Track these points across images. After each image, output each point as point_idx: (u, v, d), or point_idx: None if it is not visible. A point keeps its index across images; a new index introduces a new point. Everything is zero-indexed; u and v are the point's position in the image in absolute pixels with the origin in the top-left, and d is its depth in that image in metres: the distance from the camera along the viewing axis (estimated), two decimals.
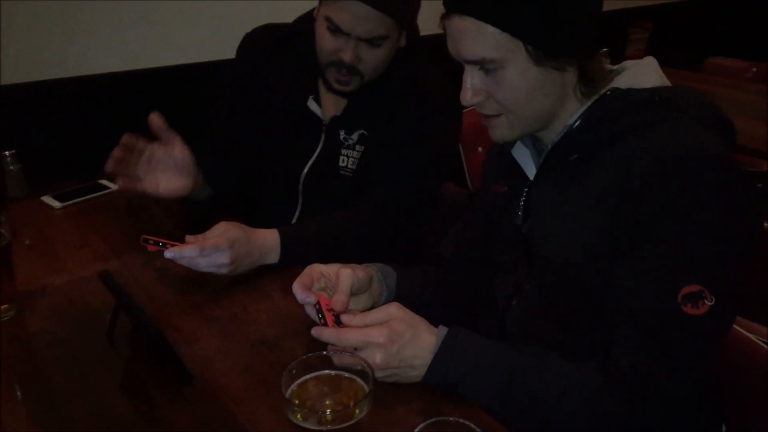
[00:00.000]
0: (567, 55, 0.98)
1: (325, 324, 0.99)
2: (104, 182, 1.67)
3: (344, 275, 1.06)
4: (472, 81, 1.01)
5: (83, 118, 1.74)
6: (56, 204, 1.56)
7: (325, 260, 1.16)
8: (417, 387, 0.99)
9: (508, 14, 0.94)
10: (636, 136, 0.98)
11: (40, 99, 1.69)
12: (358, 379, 0.84)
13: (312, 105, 1.48)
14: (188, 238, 1.22)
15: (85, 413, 0.96)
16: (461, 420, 0.78)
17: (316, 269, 1.10)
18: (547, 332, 1.12)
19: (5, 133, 1.60)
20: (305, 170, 1.52)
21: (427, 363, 0.97)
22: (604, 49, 1.09)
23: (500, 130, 1.06)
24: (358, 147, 1.48)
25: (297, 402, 0.80)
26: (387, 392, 0.98)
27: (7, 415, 0.95)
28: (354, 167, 1.49)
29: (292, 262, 1.29)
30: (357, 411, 0.79)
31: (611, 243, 0.98)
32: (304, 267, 1.12)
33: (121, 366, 1.07)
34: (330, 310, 1.01)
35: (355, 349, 0.95)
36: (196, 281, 1.26)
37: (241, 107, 1.56)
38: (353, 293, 1.09)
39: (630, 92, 1.01)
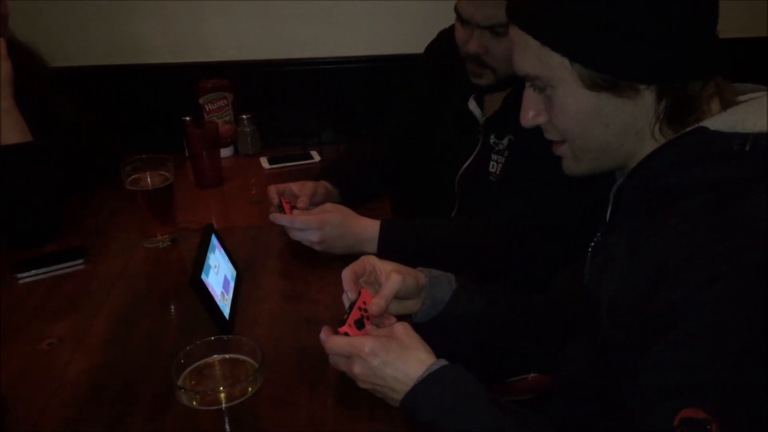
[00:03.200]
0: (627, 79, 0.77)
1: (345, 320, 0.99)
2: (314, 153, 1.86)
3: (392, 280, 1.04)
4: (527, 100, 0.87)
5: (308, 95, 1.98)
6: (266, 165, 1.81)
7: (427, 263, 1.15)
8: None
9: (548, 24, 0.78)
10: (701, 198, 0.74)
11: (280, 75, 1.96)
12: (247, 359, 0.85)
13: (471, 105, 1.43)
14: (296, 211, 1.32)
15: (138, 340, 1.14)
16: None
17: (370, 262, 1.09)
18: (581, 401, 0.93)
19: (247, 99, 1.90)
20: (460, 172, 1.48)
21: (406, 390, 0.91)
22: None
23: (566, 161, 0.90)
24: (506, 153, 1.38)
25: (190, 387, 0.84)
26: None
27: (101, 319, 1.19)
28: (499, 174, 1.39)
29: (391, 256, 1.29)
30: (249, 388, 0.81)
31: (639, 327, 0.77)
32: (404, 263, 1.12)
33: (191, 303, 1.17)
34: (364, 309, 1.01)
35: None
36: (303, 252, 1.35)
37: (418, 102, 1.58)
38: (401, 297, 1.07)
39: (715, 136, 0.75)
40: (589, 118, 0.80)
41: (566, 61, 0.78)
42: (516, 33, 0.83)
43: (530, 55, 0.81)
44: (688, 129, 0.78)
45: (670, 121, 0.79)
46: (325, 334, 0.96)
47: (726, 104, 0.80)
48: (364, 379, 0.92)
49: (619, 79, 0.77)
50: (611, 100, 0.78)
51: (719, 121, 0.76)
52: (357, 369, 0.92)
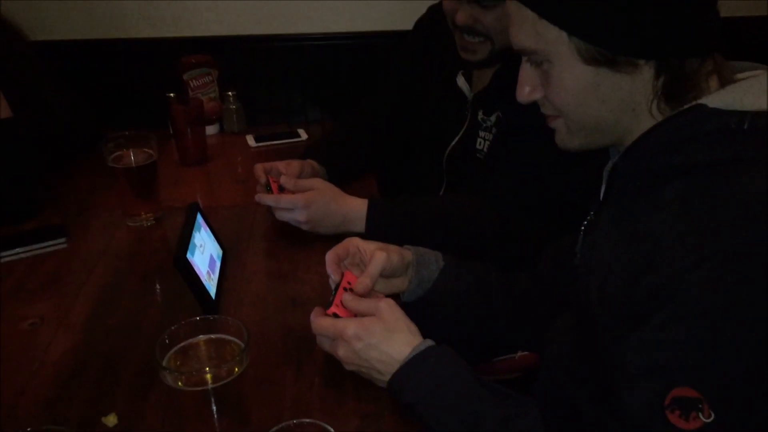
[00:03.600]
0: (626, 54, 0.75)
1: (332, 302, 0.98)
2: (301, 131, 1.84)
3: (377, 258, 1.03)
4: (524, 75, 0.85)
5: (294, 72, 1.96)
6: (253, 143, 1.78)
7: (413, 242, 1.14)
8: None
9: None
10: (696, 176, 0.73)
11: (264, 51, 1.93)
12: (233, 339, 0.84)
13: (460, 81, 1.41)
14: (283, 179, 1.30)
15: (120, 320, 1.12)
16: (317, 422, 0.74)
17: (354, 243, 1.08)
18: (567, 380, 0.93)
19: (231, 76, 1.87)
20: (448, 149, 1.46)
21: (392, 372, 0.90)
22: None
23: (560, 135, 0.88)
24: (493, 130, 1.37)
25: (174, 367, 0.82)
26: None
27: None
28: (486, 151, 1.38)
29: (379, 236, 1.27)
30: (236, 368, 0.80)
31: (628, 306, 0.76)
32: (391, 242, 1.11)
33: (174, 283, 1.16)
34: (349, 289, 1.00)
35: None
36: (289, 232, 1.33)
37: (406, 79, 1.56)
38: (387, 276, 1.06)
39: (713, 114, 0.74)
40: (586, 94, 0.79)
41: (564, 35, 0.76)
42: (513, 6, 0.81)
43: (527, 28, 0.79)
44: (686, 107, 0.77)
45: (668, 98, 0.78)
46: (314, 315, 0.95)
47: (724, 82, 0.79)
48: (348, 362, 0.92)
49: (618, 53, 0.75)
50: (609, 75, 0.77)
51: (717, 99, 0.75)
52: (341, 352, 0.92)
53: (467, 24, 1.25)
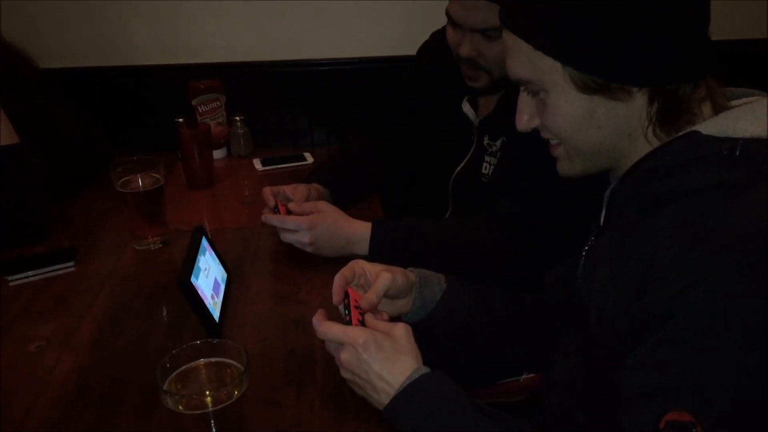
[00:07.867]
0: (618, 81, 0.77)
1: (350, 321, 0.98)
2: (307, 155, 1.86)
3: (382, 278, 1.03)
4: (522, 103, 0.88)
5: (300, 97, 1.99)
6: (259, 167, 1.81)
7: (417, 264, 1.14)
8: None
9: (540, 28, 0.79)
10: (690, 201, 0.74)
11: (271, 76, 1.96)
12: (233, 362, 0.85)
13: (465, 107, 1.43)
14: (291, 205, 1.32)
15: (126, 341, 1.14)
16: None
17: (359, 265, 1.08)
18: (570, 402, 0.93)
19: (239, 101, 1.90)
20: (454, 174, 1.48)
21: (389, 394, 0.89)
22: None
23: (561, 162, 0.90)
24: (499, 155, 1.38)
25: (175, 391, 0.83)
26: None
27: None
28: (491, 175, 1.39)
29: (382, 258, 1.28)
30: (235, 391, 0.81)
31: (626, 328, 0.77)
32: (395, 264, 1.12)
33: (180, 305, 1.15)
34: (357, 307, 1.01)
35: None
36: (293, 254, 1.34)
37: (411, 103, 1.58)
38: (391, 297, 1.06)
39: (706, 140, 0.76)
40: (582, 121, 0.81)
41: (558, 65, 0.79)
42: (509, 37, 0.83)
43: (523, 59, 0.82)
44: (681, 133, 0.78)
45: (663, 123, 0.80)
46: (317, 320, 0.94)
47: (718, 108, 0.81)
48: (348, 368, 0.91)
49: (611, 81, 0.77)
50: (603, 102, 0.79)
51: (711, 126, 0.77)
52: (344, 356, 0.90)
53: (470, 56, 1.28)
